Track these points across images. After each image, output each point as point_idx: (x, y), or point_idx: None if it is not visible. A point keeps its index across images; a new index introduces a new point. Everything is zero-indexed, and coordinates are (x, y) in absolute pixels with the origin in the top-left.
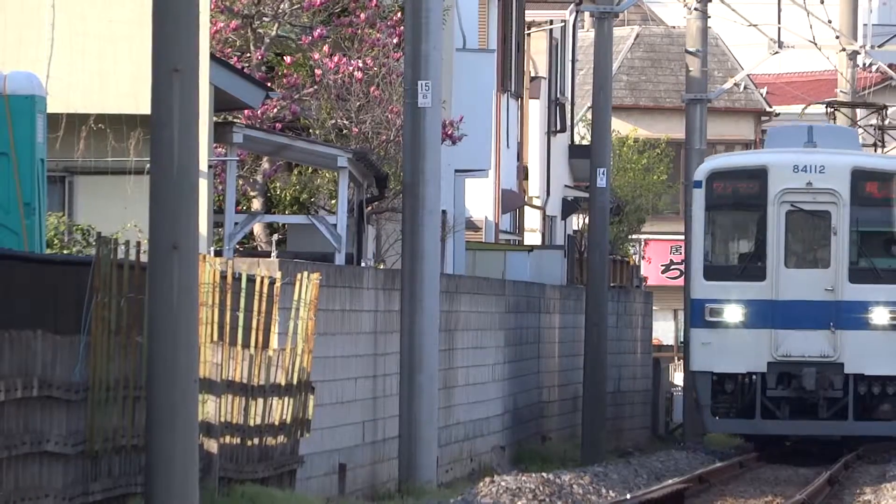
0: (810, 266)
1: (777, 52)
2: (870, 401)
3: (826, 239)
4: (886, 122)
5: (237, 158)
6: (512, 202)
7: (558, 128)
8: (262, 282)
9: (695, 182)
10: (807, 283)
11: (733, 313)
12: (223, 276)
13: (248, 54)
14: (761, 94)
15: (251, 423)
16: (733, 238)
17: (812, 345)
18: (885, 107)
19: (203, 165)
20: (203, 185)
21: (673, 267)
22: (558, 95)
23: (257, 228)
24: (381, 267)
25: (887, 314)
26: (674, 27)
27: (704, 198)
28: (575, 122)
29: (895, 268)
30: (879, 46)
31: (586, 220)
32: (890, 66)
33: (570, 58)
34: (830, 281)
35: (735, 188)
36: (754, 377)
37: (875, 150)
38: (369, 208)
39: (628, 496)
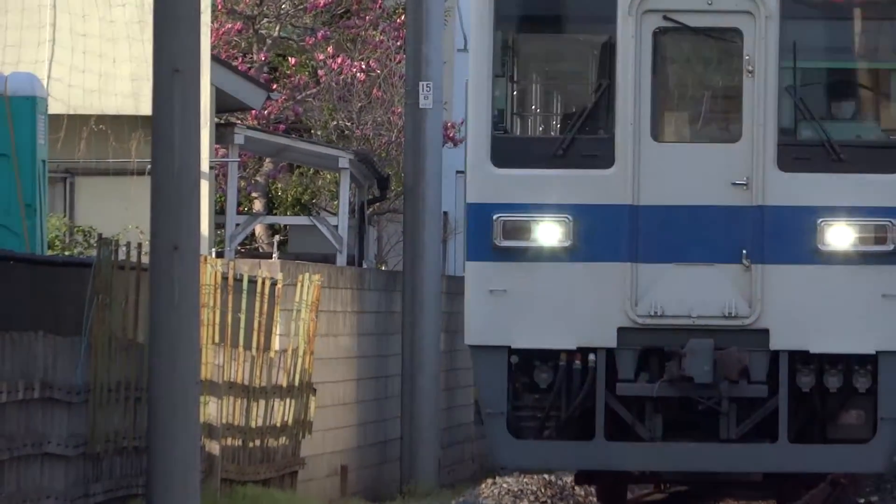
0: (703, 140)
1: None
2: (820, 404)
3: (734, 86)
4: None
5: (238, 160)
6: None
7: None
8: (263, 283)
9: None
10: (696, 171)
11: (550, 232)
12: (224, 278)
13: (252, 55)
14: None
15: (253, 424)
16: (551, 85)
17: (707, 294)
18: None
19: (204, 166)
20: (204, 186)
21: None
22: None
23: (259, 229)
24: (383, 268)
25: (853, 233)
26: None
27: (494, 8)
28: None
29: (871, 141)
30: None
31: None
32: None
33: None
34: (743, 168)
35: None
36: (593, 358)
37: None
38: (371, 209)
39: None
